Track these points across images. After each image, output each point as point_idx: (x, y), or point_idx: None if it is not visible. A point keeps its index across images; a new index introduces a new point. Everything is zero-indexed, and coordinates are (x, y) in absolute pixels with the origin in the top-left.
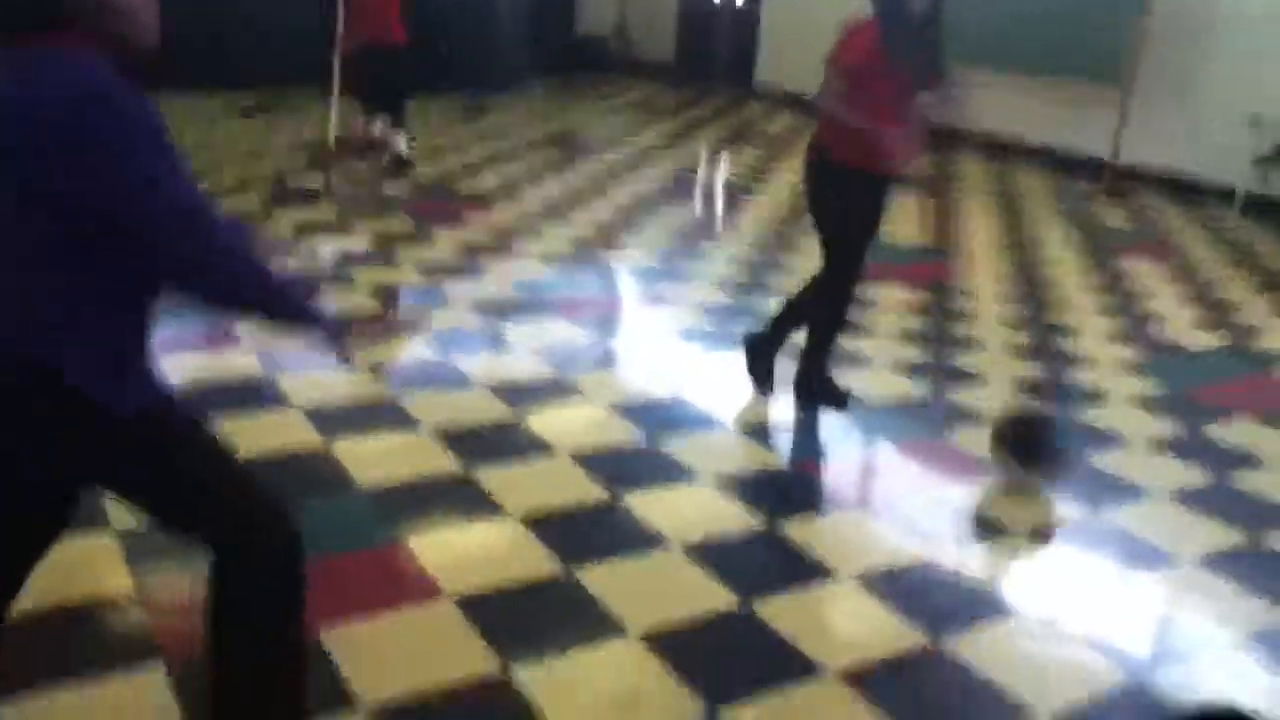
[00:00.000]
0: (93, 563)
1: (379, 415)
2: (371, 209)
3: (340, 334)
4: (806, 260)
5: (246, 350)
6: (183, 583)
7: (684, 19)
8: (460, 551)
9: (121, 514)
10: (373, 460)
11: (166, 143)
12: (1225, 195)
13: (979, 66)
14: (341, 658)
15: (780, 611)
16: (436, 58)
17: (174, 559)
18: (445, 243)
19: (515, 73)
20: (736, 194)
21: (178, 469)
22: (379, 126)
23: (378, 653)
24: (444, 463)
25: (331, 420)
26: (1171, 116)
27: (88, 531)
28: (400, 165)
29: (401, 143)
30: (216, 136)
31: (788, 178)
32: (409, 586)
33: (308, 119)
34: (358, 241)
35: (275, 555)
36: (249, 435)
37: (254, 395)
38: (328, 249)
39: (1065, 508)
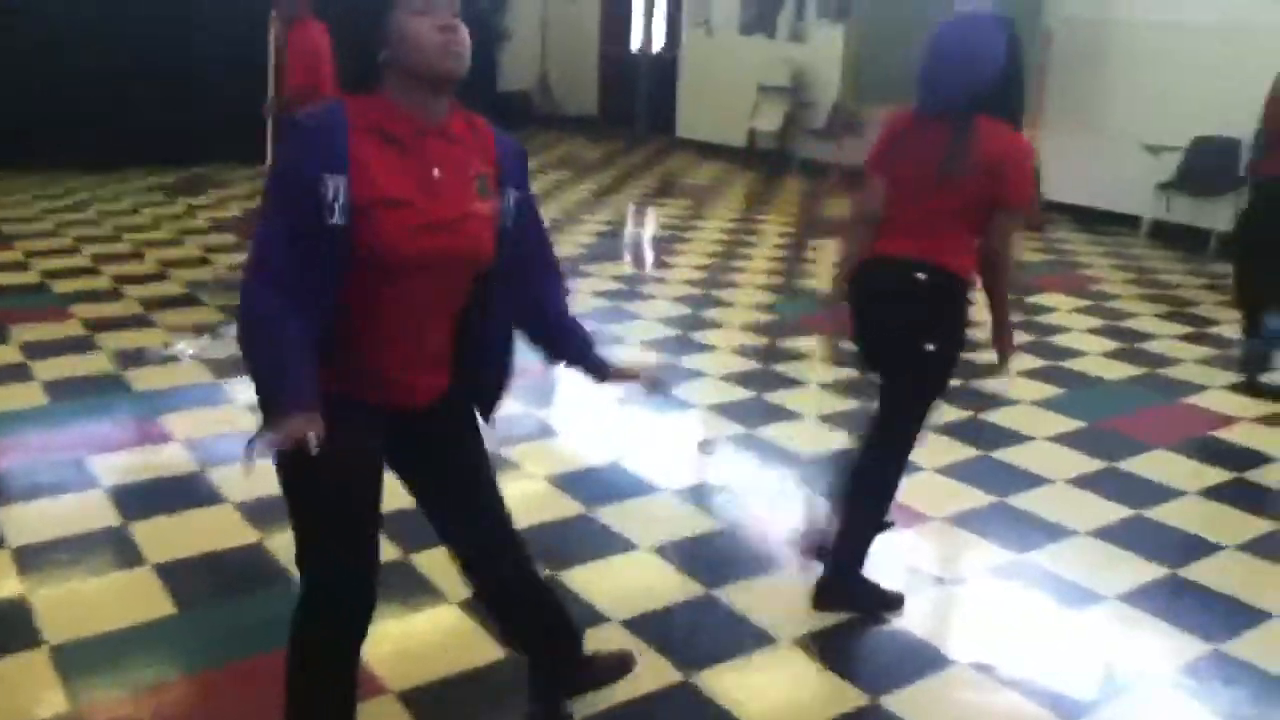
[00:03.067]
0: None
1: None
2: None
3: (270, 425)
4: (735, 314)
5: (179, 445)
6: (121, 701)
7: (605, 70)
8: (401, 643)
9: (57, 628)
10: None
11: (272, 183)
12: (1131, 222)
13: (890, 107)
14: None
15: (722, 681)
16: None
17: (110, 675)
18: None
19: None
20: (665, 249)
21: None
22: None
23: None
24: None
25: (266, 512)
26: (1077, 147)
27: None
28: None
29: None
30: (139, 219)
31: (713, 230)
32: None
33: (234, 196)
34: None
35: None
36: (185, 533)
37: (188, 492)
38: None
39: (993, 551)
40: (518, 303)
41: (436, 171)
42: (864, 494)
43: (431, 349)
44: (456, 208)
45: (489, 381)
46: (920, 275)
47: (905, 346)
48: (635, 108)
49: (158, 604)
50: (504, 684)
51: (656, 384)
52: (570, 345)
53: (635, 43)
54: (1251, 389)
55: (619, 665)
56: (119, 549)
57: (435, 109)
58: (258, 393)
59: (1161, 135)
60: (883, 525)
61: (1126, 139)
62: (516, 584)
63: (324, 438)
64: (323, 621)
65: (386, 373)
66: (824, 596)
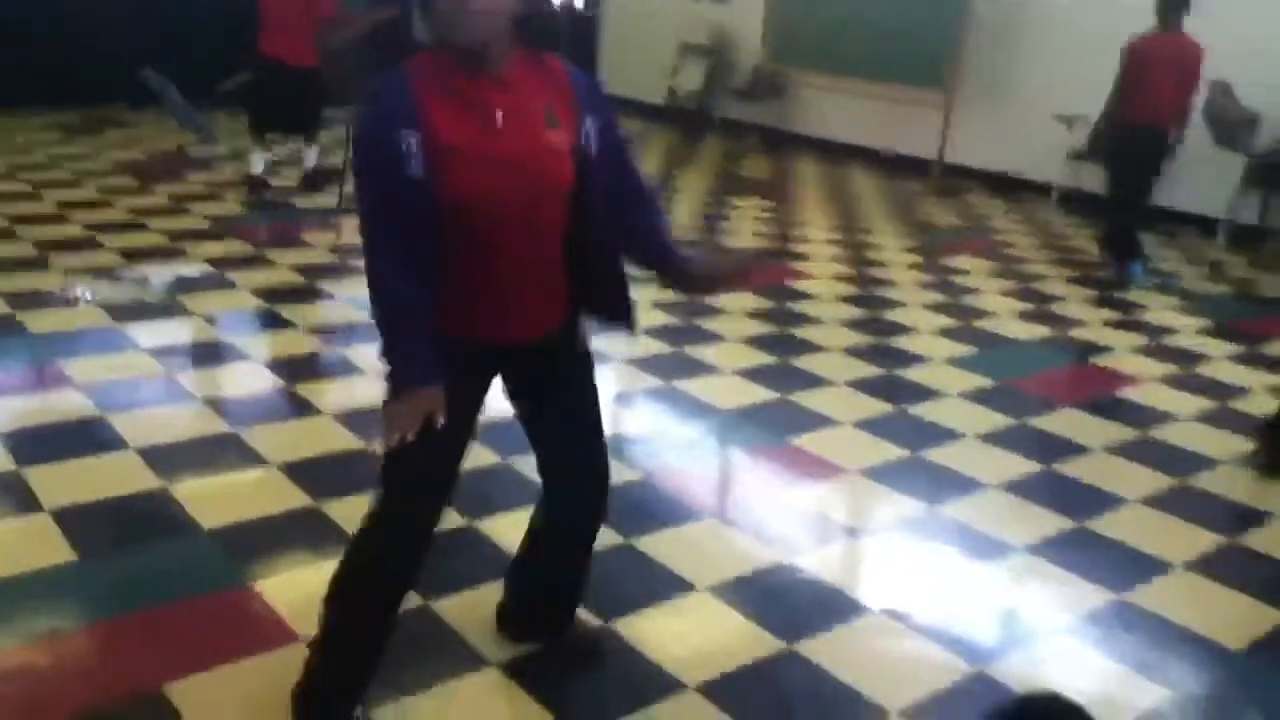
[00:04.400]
0: None
1: (220, 451)
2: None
3: (387, 403)
4: None
5: (78, 390)
6: (16, 650)
7: (523, 21)
8: (312, 591)
9: None
10: (217, 500)
11: (355, 155)
12: (1043, 190)
13: (810, 71)
14: (189, 712)
15: (640, 629)
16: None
17: (5, 624)
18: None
19: (355, 89)
20: None
21: None
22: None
23: (227, 704)
24: (291, 498)
25: (169, 458)
26: (992, 117)
27: None
28: (262, 187)
29: (260, 163)
30: (38, 158)
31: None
32: (259, 632)
33: (135, 137)
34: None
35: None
36: (84, 479)
37: (88, 437)
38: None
39: (906, 503)
40: (623, 229)
41: (500, 115)
42: None
43: (539, 281)
44: (523, 144)
45: (610, 300)
46: None
47: None
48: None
49: (56, 550)
50: (418, 633)
51: (760, 256)
52: (680, 268)
53: None
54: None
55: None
56: (14, 494)
57: (488, 59)
58: (384, 362)
59: (1073, 105)
60: None
61: (1040, 107)
62: (567, 534)
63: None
64: (386, 544)
65: (496, 309)
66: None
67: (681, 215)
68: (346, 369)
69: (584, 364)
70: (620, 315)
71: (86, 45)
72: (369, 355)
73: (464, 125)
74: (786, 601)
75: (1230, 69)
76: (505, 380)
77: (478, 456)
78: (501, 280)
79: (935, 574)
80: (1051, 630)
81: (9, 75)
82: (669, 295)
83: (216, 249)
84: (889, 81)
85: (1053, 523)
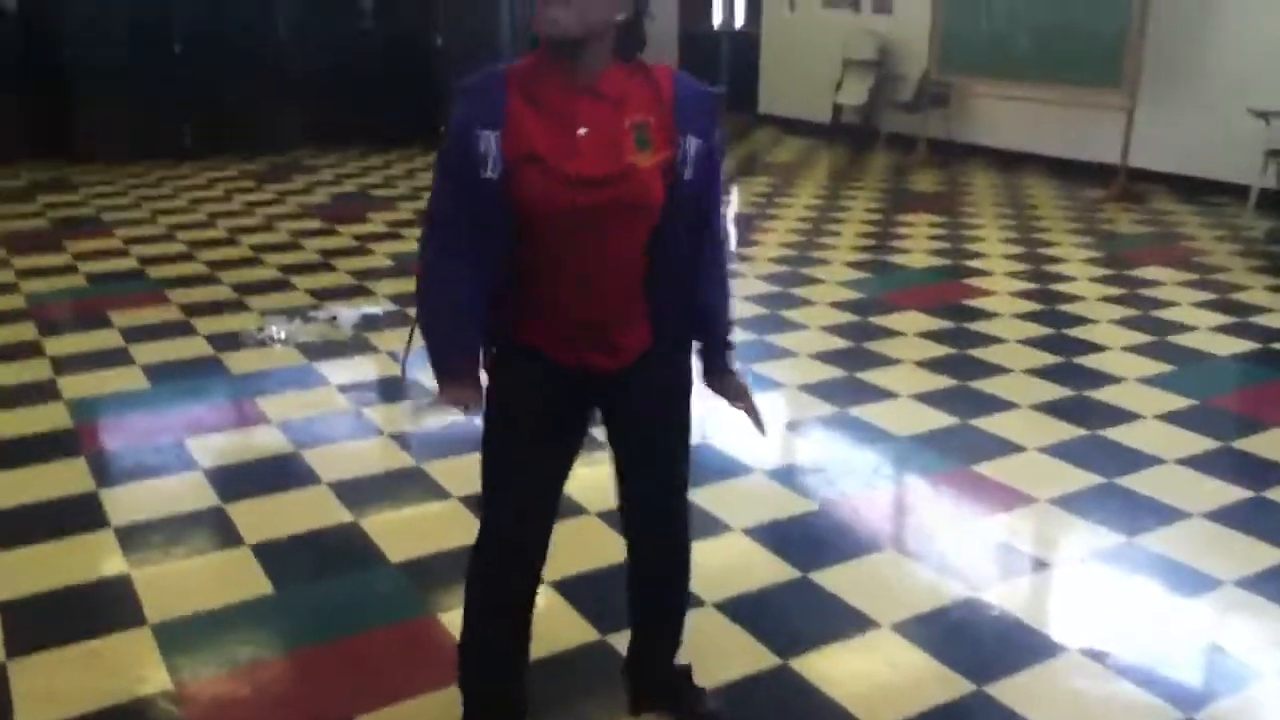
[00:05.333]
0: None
1: (405, 484)
2: None
3: (438, 390)
4: (825, 291)
5: (273, 426)
6: (221, 679)
7: (686, 48)
8: None
9: (157, 606)
10: (404, 532)
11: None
12: (1239, 192)
13: (981, 78)
14: None
15: (820, 668)
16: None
17: (210, 653)
18: None
19: None
20: (752, 227)
21: None
22: None
23: None
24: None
25: (359, 492)
26: (1179, 115)
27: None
28: None
29: None
30: (233, 205)
31: (799, 207)
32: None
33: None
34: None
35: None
36: (281, 514)
37: (283, 472)
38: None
39: (1102, 534)
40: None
41: (583, 130)
42: None
43: (619, 306)
44: (606, 164)
45: (698, 333)
46: None
47: None
48: (718, 82)
49: (255, 583)
50: (593, 667)
51: (757, 423)
52: (702, 333)
53: (716, 19)
54: None
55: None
56: (217, 529)
57: (581, 67)
58: (426, 349)
59: (1270, 99)
60: None
61: (1231, 104)
62: (646, 598)
63: (484, 402)
64: (484, 563)
65: (563, 328)
66: None
67: (849, 234)
68: None
69: (669, 407)
70: (706, 346)
71: (273, 102)
72: None
73: (546, 134)
74: (974, 639)
75: None
76: (596, 407)
77: None
78: (570, 297)
79: (1136, 610)
80: (1266, 672)
81: (207, 131)
82: (839, 316)
83: (399, 286)
84: (1064, 84)
85: (1264, 554)
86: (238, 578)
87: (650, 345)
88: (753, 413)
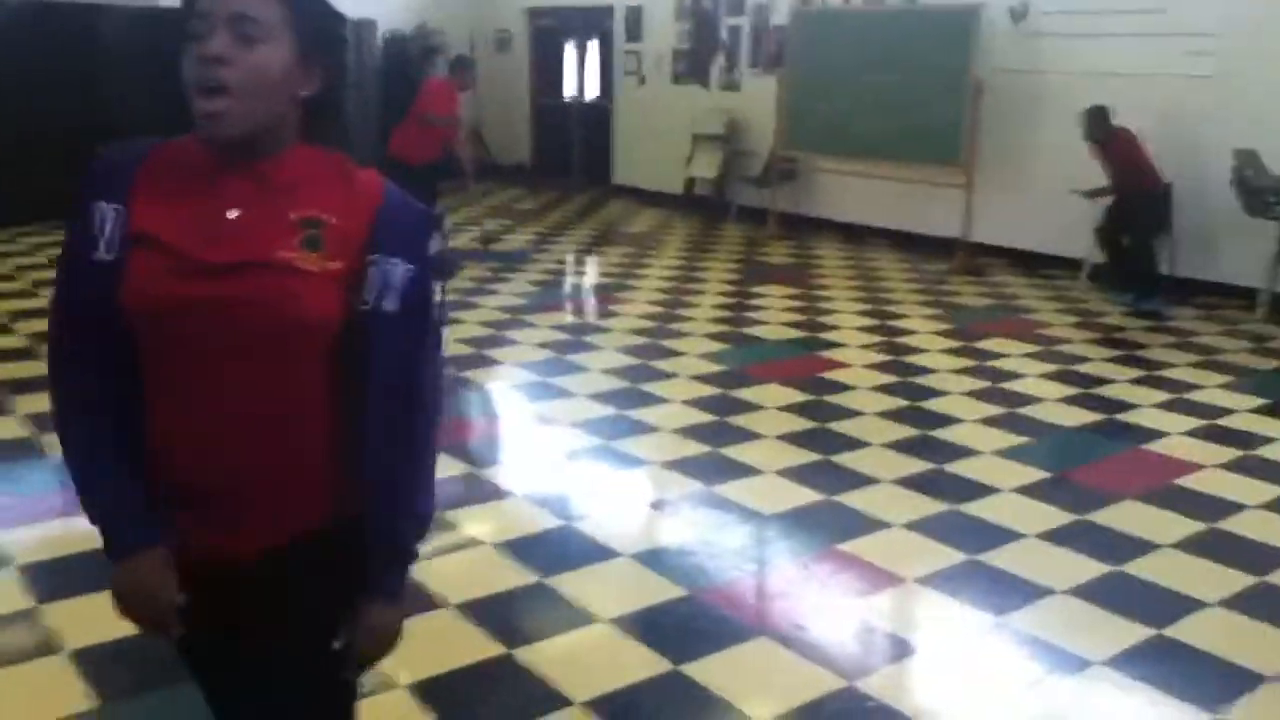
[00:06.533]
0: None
1: None
2: None
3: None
4: (685, 364)
5: None
6: None
7: (538, 119)
8: None
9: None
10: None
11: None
12: (1073, 265)
13: (825, 155)
14: None
15: None
16: None
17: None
18: None
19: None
20: (608, 298)
21: None
22: None
23: None
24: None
25: None
26: (1014, 192)
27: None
28: None
29: None
30: None
31: (655, 279)
32: None
33: None
34: None
35: None
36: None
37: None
38: None
39: (972, 615)
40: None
41: (234, 213)
42: None
43: (260, 464)
44: (248, 253)
45: (378, 522)
46: None
47: None
48: (570, 157)
49: (73, 697)
50: None
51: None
52: (368, 528)
53: (568, 92)
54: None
55: None
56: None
57: (250, 148)
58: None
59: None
60: None
61: (1061, 182)
62: None
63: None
64: None
65: (190, 498)
66: None
67: (706, 305)
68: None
69: (318, 625)
70: (376, 548)
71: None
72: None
73: (179, 212)
74: None
75: (1255, 137)
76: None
77: (510, 578)
78: (201, 441)
79: (1011, 693)
80: None
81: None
82: (700, 390)
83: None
84: (905, 161)
85: (1132, 631)
86: (56, 690)
87: (320, 526)
88: (367, 665)
